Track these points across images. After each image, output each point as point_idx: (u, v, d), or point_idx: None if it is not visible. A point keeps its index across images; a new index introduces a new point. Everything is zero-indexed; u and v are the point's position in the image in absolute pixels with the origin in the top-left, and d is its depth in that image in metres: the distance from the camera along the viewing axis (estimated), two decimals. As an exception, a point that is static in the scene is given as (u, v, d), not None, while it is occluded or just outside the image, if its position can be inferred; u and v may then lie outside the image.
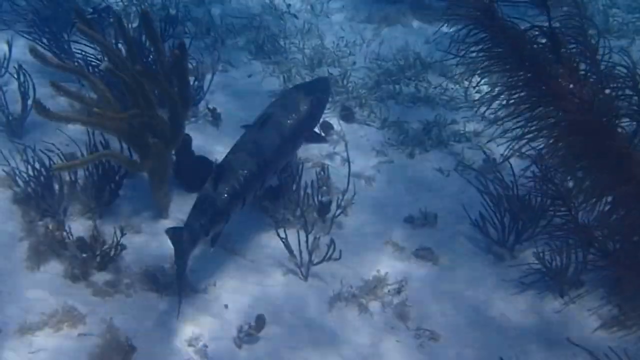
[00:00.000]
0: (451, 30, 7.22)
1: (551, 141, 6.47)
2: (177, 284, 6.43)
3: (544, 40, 6.50)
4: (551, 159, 6.69)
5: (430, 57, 10.60)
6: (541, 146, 6.85)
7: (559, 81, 6.37)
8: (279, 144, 7.19)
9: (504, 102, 6.86)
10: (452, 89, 10.04)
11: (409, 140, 8.98)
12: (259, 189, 7.13)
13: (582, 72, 6.46)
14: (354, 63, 10.51)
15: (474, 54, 7.04)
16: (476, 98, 9.67)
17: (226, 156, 7.07)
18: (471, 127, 9.26)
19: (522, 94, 6.68)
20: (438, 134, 9.04)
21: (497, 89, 6.96)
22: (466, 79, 9.96)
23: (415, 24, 11.69)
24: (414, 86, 10.03)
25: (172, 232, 6.42)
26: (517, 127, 6.79)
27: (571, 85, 6.47)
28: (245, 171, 6.83)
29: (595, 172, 6.41)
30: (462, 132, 9.14)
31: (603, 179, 6.37)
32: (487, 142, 8.31)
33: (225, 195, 6.65)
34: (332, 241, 6.93)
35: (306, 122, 7.60)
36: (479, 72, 7.05)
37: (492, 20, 6.62)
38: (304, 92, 7.78)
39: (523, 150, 6.94)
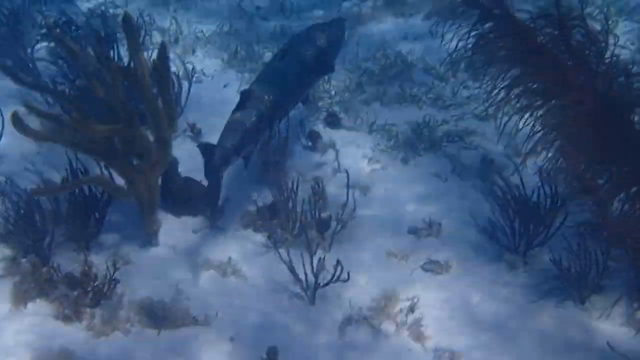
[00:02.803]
0: (439, 24, 6.95)
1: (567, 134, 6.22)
2: (210, 199, 7.01)
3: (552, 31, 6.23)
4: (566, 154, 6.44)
5: (411, 54, 10.22)
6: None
7: (572, 72, 6.09)
8: (299, 73, 7.62)
9: (511, 97, 6.59)
10: (438, 86, 9.65)
11: (400, 144, 8.59)
12: (283, 116, 7.62)
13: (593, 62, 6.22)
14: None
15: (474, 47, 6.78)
16: (465, 95, 9.37)
17: (251, 85, 7.52)
18: (463, 125, 8.89)
19: (533, 87, 6.41)
20: (430, 136, 8.65)
21: (499, 84, 6.68)
22: (453, 76, 9.66)
23: (390, 19, 11.27)
24: (398, 86, 9.64)
25: (204, 147, 6.81)
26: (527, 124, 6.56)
27: (582, 77, 6.21)
28: (270, 97, 7.19)
29: (614, 164, 6.16)
30: (454, 132, 8.75)
31: (624, 172, 6.13)
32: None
33: (253, 118, 7.01)
34: (338, 262, 6.49)
35: (324, 55, 7.96)
36: (479, 66, 6.80)
37: (501, 10, 6.30)
38: (321, 29, 8.20)
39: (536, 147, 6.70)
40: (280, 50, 7.98)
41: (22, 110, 6.22)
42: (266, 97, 7.18)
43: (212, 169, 6.72)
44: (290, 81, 7.52)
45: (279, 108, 7.35)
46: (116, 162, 6.65)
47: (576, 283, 6.61)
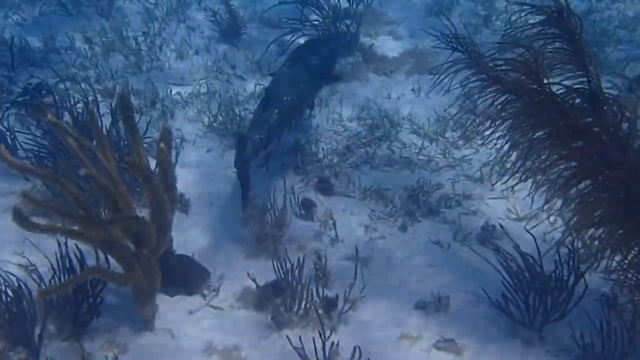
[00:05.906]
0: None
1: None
2: (242, 190, 7.38)
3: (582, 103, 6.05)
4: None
5: (397, 113, 9.95)
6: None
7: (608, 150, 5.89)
8: (308, 79, 8.46)
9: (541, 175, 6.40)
10: (427, 147, 9.38)
11: (397, 211, 8.26)
12: (298, 118, 8.51)
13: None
14: (318, 126, 9.72)
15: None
16: (456, 156, 9.13)
17: (268, 87, 8.36)
18: (459, 189, 8.61)
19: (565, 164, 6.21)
20: (426, 202, 8.34)
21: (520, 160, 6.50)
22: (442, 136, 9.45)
23: (372, 77, 11.01)
24: (387, 147, 9.34)
25: (239, 137, 7.23)
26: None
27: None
28: (288, 98, 7.98)
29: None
30: (451, 196, 8.47)
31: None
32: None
33: (275, 116, 7.72)
34: (356, 349, 6.13)
35: (325, 63, 9.05)
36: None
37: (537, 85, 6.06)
38: (321, 41, 9.75)
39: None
40: (287, 59, 8.84)
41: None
42: (284, 98, 7.93)
43: (244, 160, 7.19)
44: (301, 85, 8.29)
45: (295, 108, 8.17)
46: (115, 249, 6.20)
47: (599, 360, 6.34)
